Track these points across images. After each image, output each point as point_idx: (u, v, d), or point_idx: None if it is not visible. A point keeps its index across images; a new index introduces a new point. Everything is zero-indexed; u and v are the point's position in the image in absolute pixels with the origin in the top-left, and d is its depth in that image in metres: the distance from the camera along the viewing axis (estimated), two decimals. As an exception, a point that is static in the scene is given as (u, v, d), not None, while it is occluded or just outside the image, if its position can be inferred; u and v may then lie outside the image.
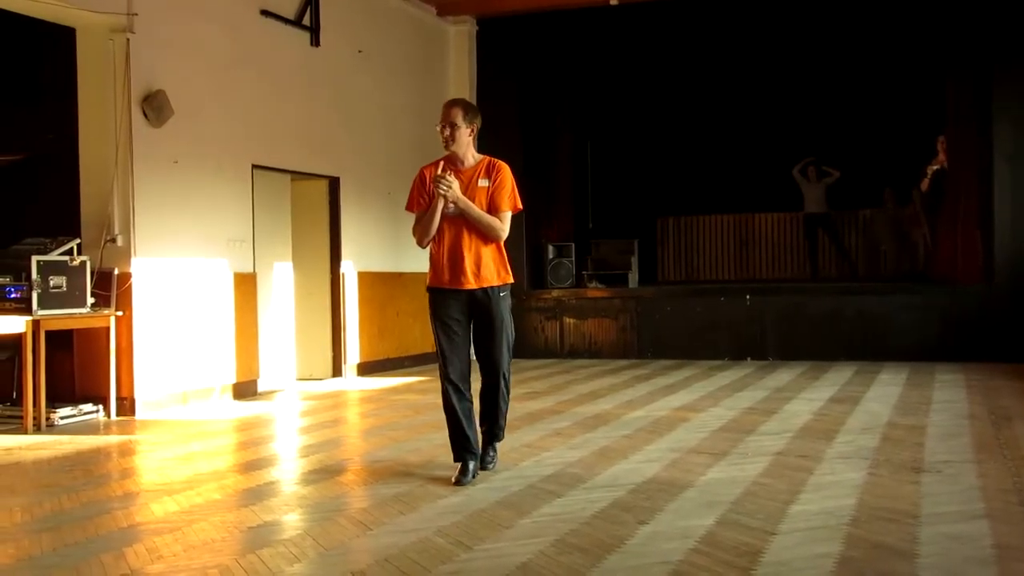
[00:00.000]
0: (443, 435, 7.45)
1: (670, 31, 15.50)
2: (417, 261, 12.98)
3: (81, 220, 9.02)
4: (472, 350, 5.97)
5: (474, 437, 5.85)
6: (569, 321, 14.10)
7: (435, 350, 5.96)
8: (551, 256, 14.63)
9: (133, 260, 8.90)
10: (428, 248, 5.90)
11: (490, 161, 5.90)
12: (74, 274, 8.42)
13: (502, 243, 5.87)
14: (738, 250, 17.77)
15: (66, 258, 8.42)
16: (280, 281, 11.19)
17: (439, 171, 5.69)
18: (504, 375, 5.93)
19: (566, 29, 14.83)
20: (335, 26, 11.71)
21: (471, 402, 5.90)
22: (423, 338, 13.23)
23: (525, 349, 14.13)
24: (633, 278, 14.95)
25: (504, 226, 5.80)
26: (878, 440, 6.87)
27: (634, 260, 15.19)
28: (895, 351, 12.25)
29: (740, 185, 17.07)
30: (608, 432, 7.46)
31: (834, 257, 16.56)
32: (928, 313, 12.39)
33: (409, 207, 5.95)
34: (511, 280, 5.91)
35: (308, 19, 11.31)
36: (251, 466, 6.58)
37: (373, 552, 4.35)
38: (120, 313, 8.82)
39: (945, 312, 12.32)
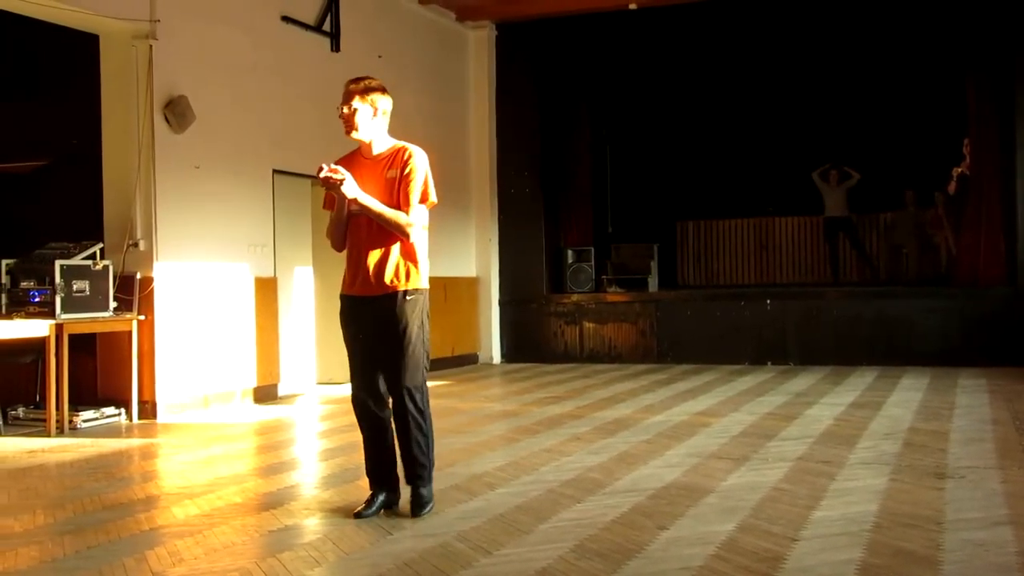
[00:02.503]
0: (464, 439, 7.49)
1: (689, 35, 15.47)
2: (436, 265, 13.01)
3: (104, 225, 9.09)
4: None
5: (388, 466, 5.21)
6: (589, 325, 14.08)
7: None
8: (570, 260, 14.61)
9: (155, 264, 8.95)
10: None
11: (402, 148, 5.15)
12: (97, 278, 8.47)
13: (416, 242, 5.11)
14: (758, 254, 17.70)
15: (89, 262, 8.47)
16: (300, 285, 11.22)
17: (327, 167, 4.90)
18: (411, 394, 5.08)
19: (586, 33, 14.82)
20: (355, 31, 11.74)
21: (383, 424, 5.20)
22: (442, 342, 13.25)
23: (544, 354, 14.14)
24: (653, 282, 14.93)
25: (412, 222, 5.02)
26: (900, 445, 6.83)
27: (654, 264, 15.16)
28: (917, 355, 12.18)
29: (760, 189, 17.01)
30: (628, 437, 7.44)
31: (855, 261, 16.48)
32: (950, 317, 12.31)
33: (325, 205, 5.25)
34: (422, 285, 5.16)
35: (328, 25, 11.35)
36: (272, 470, 6.60)
37: (393, 557, 4.36)
38: (142, 317, 8.87)
39: (968, 316, 12.25)
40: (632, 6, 13.42)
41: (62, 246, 8.64)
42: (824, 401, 9.26)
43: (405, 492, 5.23)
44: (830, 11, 14.98)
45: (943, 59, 14.57)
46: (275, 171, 10.51)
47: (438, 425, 8.23)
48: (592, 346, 14.04)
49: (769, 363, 12.85)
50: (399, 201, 5.03)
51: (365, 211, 4.98)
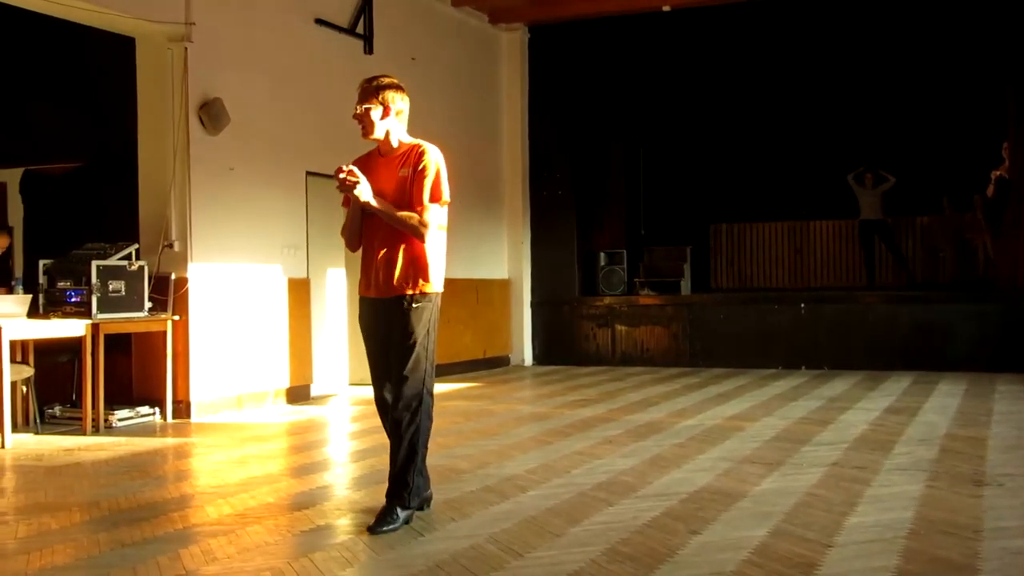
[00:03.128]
0: (496, 442, 7.49)
1: (723, 36, 15.41)
2: (467, 267, 13.03)
3: (140, 225, 9.17)
4: None
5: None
6: (621, 328, 14.04)
7: None
8: (603, 263, 14.59)
9: (190, 265, 9.02)
10: None
11: (416, 146, 5.02)
12: (132, 279, 8.54)
13: (429, 244, 4.94)
14: (792, 257, 17.58)
15: (125, 263, 8.54)
16: (333, 287, 11.27)
17: (344, 169, 4.85)
18: (409, 401, 4.89)
19: (619, 35, 14.79)
20: (388, 34, 11.78)
21: None
22: (473, 344, 13.27)
23: (576, 356, 14.12)
24: (685, 285, 14.87)
25: (427, 222, 4.87)
26: (937, 452, 6.76)
27: (687, 267, 15.11)
28: (954, 361, 12.05)
29: (794, 192, 16.90)
30: (660, 440, 7.41)
31: (891, 264, 16.33)
32: (988, 321, 12.17)
33: (343, 203, 5.13)
34: (431, 289, 4.96)
35: (361, 27, 11.39)
36: (304, 470, 6.63)
37: (425, 558, 4.36)
38: (177, 317, 8.94)
39: (1006, 320, 12.09)
40: (665, 8, 13.37)
41: (98, 247, 8.71)
42: (859, 406, 9.18)
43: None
44: (867, 13, 14.87)
45: (982, 62, 14.43)
46: (308, 173, 10.56)
47: (470, 427, 8.25)
48: (624, 349, 14.00)
49: (803, 367, 12.76)
50: (411, 200, 4.90)
51: (378, 214, 4.89)
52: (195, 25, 9.08)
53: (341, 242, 11.60)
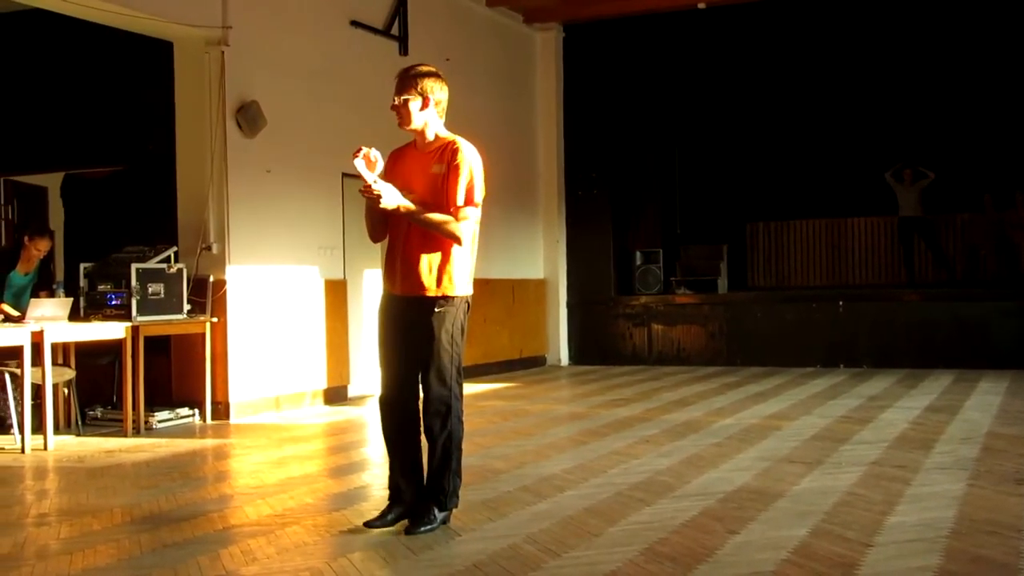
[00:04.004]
0: (533, 442, 7.49)
1: (759, 33, 15.31)
2: (503, 267, 13.03)
3: (178, 228, 9.24)
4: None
5: (409, 476, 4.85)
6: (657, 328, 13.99)
7: None
8: (639, 262, 14.54)
9: (227, 267, 9.08)
10: None
11: (450, 143, 4.80)
12: (171, 281, 8.62)
13: (461, 246, 4.72)
14: (830, 255, 17.43)
15: (164, 266, 8.62)
16: (370, 288, 11.30)
17: (367, 177, 4.68)
18: (437, 406, 4.71)
19: (653, 34, 14.72)
20: (423, 35, 11.80)
21: (408, 431, 4.87)
22: (510, 344, 13.28)
23: (612, 356, 14.09)
24: (722, 284, 14.78)
25: (461, 226, 4.65)
26: (978, 450, 6.68)
27: (723, 266, 15.02)
28: (995, 358, 11.90)
29: (832, 189, 16.75)
30: (698, 440, 7.38)
31: (930, 262, 16.15)
32: (1029, 319, 12.02)
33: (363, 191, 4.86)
34: (456, 292, 4.72)
35: (396, 28, 11.42)
36: (342, 470, 6.66)
37: (463, 558, 4.36)
38: (215, 319, 9.00)
39: (1048, 318, 11.95)
40: (701, 5, 13.32)
41: (138, 250, 8.80)
42: (899, 405, 9.10)
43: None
44: (906, 7, 14.72)
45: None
46: (344, 174, 10.60)
47: (506, 427, 8.25)
48: (660, 348, 13.95)
49: (841, 366, 12.66)
50: (445, 201, 4.67)
51: (410, 218, 4.67)
52: (231, 29, 9.15)
53: (378, 243, 11.70)
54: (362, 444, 8.08)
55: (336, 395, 10.33)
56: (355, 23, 10.80)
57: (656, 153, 15.73)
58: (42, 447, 7.56)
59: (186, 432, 8.50)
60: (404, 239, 4.75)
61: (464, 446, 4.91)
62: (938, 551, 4.26)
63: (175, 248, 8.97)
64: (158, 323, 8.54)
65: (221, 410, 9.06)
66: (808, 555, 4.25)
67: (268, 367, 9.50)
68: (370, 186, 4.60)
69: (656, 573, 4.08)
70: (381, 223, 4.85)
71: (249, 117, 9.25)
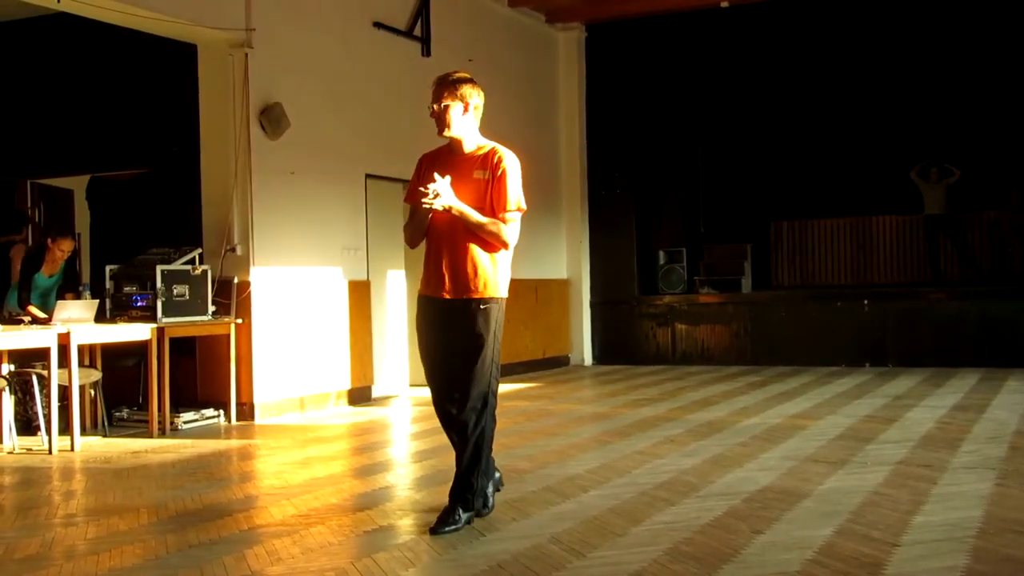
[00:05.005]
0: (557, 442, 7.48)
1: (782, 32, 15.24)
2: (526, 267, 13.03)
3: (203, 230, 9.29)
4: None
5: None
6: (681, 327, 13.96)
7: None
8: (662, 262, 14.51)
9: (252, 269, 9.12)
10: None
11: (492, 150, 4.92)
12: (196, 283, 8.67)
13: (507, 250, 4.89)
14: (855, 254, 17.33)
15: (188, 267, 8.67)
16: (393, 289, 11.33)
17: (423, 184, 4.75)
18: (476, 403, 4.80)
19: (676, 32, 14.69)
20: (445, 36, 11.82)
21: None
22: (533, 345, 13.27)
23: (636, 355, 14.06)
24: (746, 283, 14.74)
25: (509, 232, 4.82)
26: (1006, 450, 6.63)
27: (747, 265, 14.97)
28: (1023, 357, 11.80)
29: (856, 187, 16.66)
30: (722, 440, 7.35)
31: (956, 260, 16.03)
32: (1058, 317, 11.92)
33: (407, 198, 5.09)
34: (499, 294, 4.87)
35: (419, 30, 11.44)
36: (366, 471, 6.68)
37: (487, 558, 4.37)
38: (240, 321, 9.05)
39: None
40: (723, 4, 13.27)
41: (163, 251, 8.86)
42: (925, 404, 9.04)
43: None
44: (930, 5, 14.61)
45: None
46: (368, 175, 10.63)
47: (530, 427, 8.25)
48: (684, 348, 13.92)
49: (867, 365, 12.59)
50: (493, 207, 4.80)
51: (461, 219, 4.76)
52: (255, 31, 9.19)
53: (401, 244, 11.74)
54: (386, 444, 8.10)
55: (360, 396, 10.36)
56: (378, 24, 10.83)
57: (679, 152, 15.70)
58: (69, 448, 7.62)
59: (211, 433, 8.55)
60: (450, 244, 4.83)
61: (492, 446, 4.96)
62: (965, 551, 4.23)
63: (200, 250, 9.02)
64: (183, 324, 8.59)
65: (246, 411, 9.11)
66: (834, 555, 4.23)
67: (292, 368, 9.54)
68: (430, 188, 4.68)
69: (681, 573, 4.07)
70: (421, 229, 4.93)
71: (273, 119, 9.29)
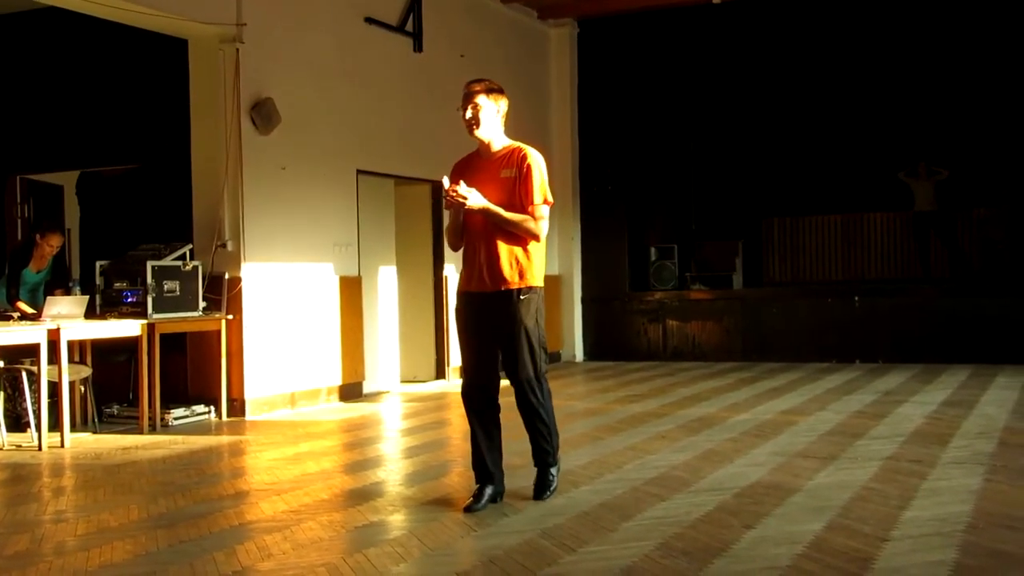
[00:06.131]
0: (546, 437, 7.47)
1: (773, 29, 15.25)
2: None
3: (193, 226, 9.27)
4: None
5: (492, 459, 5.32)
6: (672, 323, 13.97)
7: None
8: (654, 258, 14.52)
9: (243, 264, 9.11)
10: None
11: (517, 148, 5.28)
12: (187, 279, 8.65)
13: (539, 242, 5.26)
14: (846, 250, 17.36)
15: (179, 263, 8.65)
16: (384, 285, 11.33)
17: (447, 185, 5.10)
18: (531, 387, 5.24)
19: (668, 29, 14.70)
20: (437, 31, 11.81)
21: (490, 418, 5.35)
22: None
23: (627, 352, 14.07)
24: (737, 279, 14.75)
25: (539, 224, 5.18)
26: (995, 445, 6.65)
27: (738, 261, 14.98)
28: (1012, 353, 11.84)
29: (847, 184, 16.68)
30: (713, 435, 7.37)
31: (946, 256, 16.07)
32: (1048, 314, 11.95)
33: (445, 205, 5.36)
34: (536, 283, 5.23)
35: (411, 25, 11.43)
36: (357, 467, 6.68)
37: (478, 553, 4.37)
38: (231, 316, 9.03)
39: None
40: (715, 0, 13.27)
41: (153, 247, 8.83)
42: (914, 399, 9.07)
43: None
44: (920, 5, 14.65)
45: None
46: (359, 171, 10.62)
47: (520, 424, 8.24)
48: (676, 344, 13.94)
49: (857, 361, 12.62)
50: (522, 203, 5.14)
51: (492, 218, 5.09)
52: (246, 26, 9.16)
53: (392, 240, 11.76)
54: (377, 440, 8.10)
55: (351, 391, 10.35)
56: (369, 20, 10.81)
57: (671, 149, 15.71)
58: (59, 444, 7.60)
59: (202, 429, 8.54)
60: (485, 241, 5.17)
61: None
62: (955, 545, 4.24)
63: (190, 246, 8.99)
64: (174, 320, 8.57)
65: (237, 407, 9.10)
66: (824, 550, 4.24)
67: (283, 364, 9.53)
68: (456, 190, 5.03)
69: (671, 568, 4.08)
70: (458, 231, 5.30)
71: (264, 114, 9.27)
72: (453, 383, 11.69)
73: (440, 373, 11.88)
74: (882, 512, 4.86)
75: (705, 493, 5.41)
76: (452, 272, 11.98)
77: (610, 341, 14.29)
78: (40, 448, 7.49)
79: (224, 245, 9.09)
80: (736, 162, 16.80)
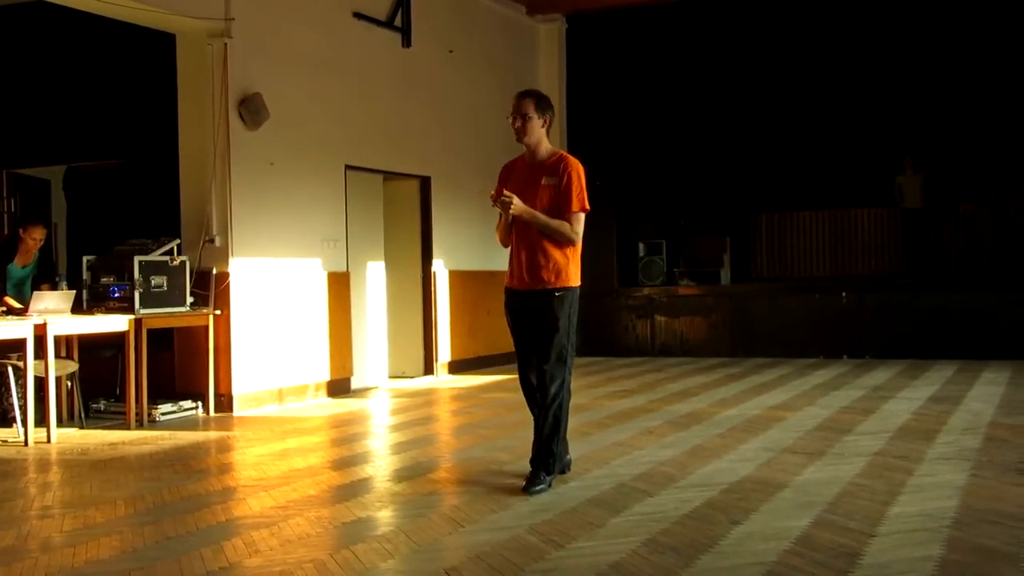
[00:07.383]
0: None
1: (763, 25, 15.30)
2: (507, 259, 13.02)
3: (181, 221, 9.25)
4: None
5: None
6: (660, 319, 13.99)
7: None
8: (642, 254, 14.54)
9: (231, 260, 9.08)
10: None
11: (560, 156, 5.65)
12: (174, 274, 8.62)
13: (575, 247, 5.61)
14: (834, 246, 17.42)
15: (166, 258, 8.62)
16: (373, 280, 11.31)
17: (496, 193, 5.50)
18: (553, 383, 5.49)
19: (657, 23, 14.73)
20: (426, 27, 11.79)
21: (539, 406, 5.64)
22: (514, 336, 13.25)
23: (615, 347, 14.08)
24: (726, 275, 14.79)
25: (575, 229, 5.53)
26: (981, 441, 6.68)
27: (727, 257, 15.02)
28: (998, 349, 11.90)
29: (835, 180, 16.74)
30: (701, 431, 7.38)
31: (934, 252, 16.13)
32: (1033, 310, 12.00)
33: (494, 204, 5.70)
34: (573, 283, 5.59)
35: (399, 20, 11.41)
36: (345, 463, 6.67)
37: (465, 549, 4.37)
38: (218, 312, 9.01)
39: (1052, 309, 11.92)
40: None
41: (140, 242, 8.80)
42: (901, 395, 9.10)
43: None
44: (907, 1, 14.69)
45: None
46: (348, 167, 10.60)
47: (511, 419, 8.25)
48: (664, 339, 13.96)
49: (845, 357, 12.66)
50: (561, 209, 5.49)
51: (532, 223, 5.47)
52: (234, 21, 9.13)
53: (381, 236, 11.79)
54: (365, 436, 8.09)
55: (339, 387, 10.34)
56: (358, 15, 10.79)
57: (660, 144, 15.71)
58: (45, 440, 7.57)
59: (189, 424, 8.52)
60: (526, 243, 5.57)
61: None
62: (940, 541, 4.26)
63: (178, 241, 8.97)
64: (161, 316, 8.55)
65: (224, 402, 9.08)
66: (811, 545, 4.25)
67: (271, 359, 9.51)
68: (500, 197, 5.44)
69: (659, 563, 4.08)
70: (507, 231, 5.68)
71: (252, 109, 9.25)
72: (441, 379, 11.70)
73: (428, 369, 11.87)
74: (869, 508, 4.88)
75: (693, 489, 5.42)
76: (440, 267, 11.97)
77: (598, 337, 14.28)
78: (26, 443, 7.46)
79: (212, 240, 9.06)
80: (725, 158, 16.83)
